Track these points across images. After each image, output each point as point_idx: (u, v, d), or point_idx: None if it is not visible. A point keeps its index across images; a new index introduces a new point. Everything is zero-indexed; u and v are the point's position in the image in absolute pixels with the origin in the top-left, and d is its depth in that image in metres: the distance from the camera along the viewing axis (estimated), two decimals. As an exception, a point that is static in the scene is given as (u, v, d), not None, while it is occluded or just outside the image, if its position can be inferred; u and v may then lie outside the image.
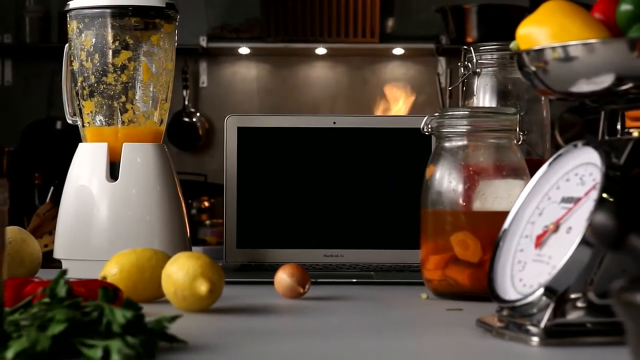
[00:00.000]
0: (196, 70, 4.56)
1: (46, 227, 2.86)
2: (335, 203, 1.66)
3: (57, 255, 1.50)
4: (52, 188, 3.06)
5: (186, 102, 4.51)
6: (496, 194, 1.30)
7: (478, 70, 1.54)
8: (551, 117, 1.47)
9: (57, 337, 0.86)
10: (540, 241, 1.03)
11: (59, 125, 4.42)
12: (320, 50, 4.47)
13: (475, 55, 1.54)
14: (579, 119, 4.34)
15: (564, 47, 1.00)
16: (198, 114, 4.57)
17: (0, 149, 4.19)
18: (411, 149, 1.64)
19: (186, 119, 4.52)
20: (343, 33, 4.38)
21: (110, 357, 0.85)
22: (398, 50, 4.50)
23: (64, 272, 0.96)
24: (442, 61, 4.48)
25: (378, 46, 4.42)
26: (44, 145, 4.35)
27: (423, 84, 4.57)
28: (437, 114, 1.35)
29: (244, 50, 4.48)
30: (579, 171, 1.03)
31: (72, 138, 4.69)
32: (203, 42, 4.40)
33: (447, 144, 1.34)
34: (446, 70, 4.44)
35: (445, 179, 1.32)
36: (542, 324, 0.97)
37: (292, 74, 4.61)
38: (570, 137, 4.28)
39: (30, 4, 4.41)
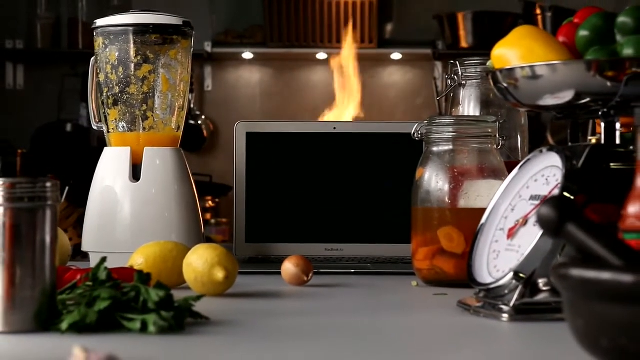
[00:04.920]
0: (201, 75, 4.64)
1: (62, 225, 2.96)
2: (335, 201, 1.77)
3: (85, 248, 1.64)
4: (67, 188, 3.18)
5: (192, 106, 4.59)
6: (478, 193, 1.42)
7: (463, 82, 1.67)
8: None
9: (103, 312, 1.02)
10: (511, 233, 1.18)
11: (69, 127, 4.51)
12: (321, 56, 4.58)
13: (461, 69, 1.67)
14: (569, 123, 4.45)
15: (532, 67, 1.16)
16: (203, 117, 4.65)
17: (13, 151, 4.29)
18: (403, 153, 1.74)
19: (192, 122, 4.59)
20: (343, 39, 4.49)
21: (147, 328, 1.01)
22: (396, 56, 4.59)
23: (104, 259, 1.12)
24: (439, 66, 4.56)
25: (376, 51, 4.52)
26: (55, 147, 4.45)
27: (420, 88, 4.68)
28: (426, 122, 1.47)
29: (247, 55, 4.57)
30: (545, 173, 1.18)
31: (81, 140, 4.77)
32: (208, 47, 4.49)
33: (435, 149, 1.46)
34: (442, 75, 4.55)
35: (433, 180, 1.45)
36: (512, 303, 1.12)
37: (293, 78, 4.70)
38: (561, 138, 4.39)
39: (42, 11, 4.49)
